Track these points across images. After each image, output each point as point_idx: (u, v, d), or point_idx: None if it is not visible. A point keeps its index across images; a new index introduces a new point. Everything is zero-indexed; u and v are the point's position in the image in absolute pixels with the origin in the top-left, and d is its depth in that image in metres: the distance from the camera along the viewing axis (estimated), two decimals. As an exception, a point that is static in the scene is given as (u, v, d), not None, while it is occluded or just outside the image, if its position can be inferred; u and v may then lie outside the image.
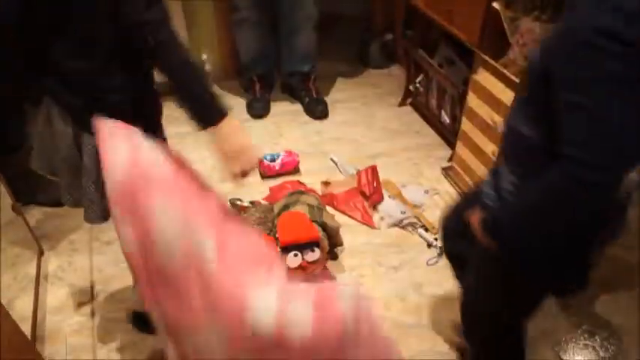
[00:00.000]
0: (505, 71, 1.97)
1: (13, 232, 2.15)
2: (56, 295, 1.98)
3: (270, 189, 2.37)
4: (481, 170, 2.22)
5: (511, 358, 1.45)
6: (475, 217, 1.15)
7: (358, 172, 2.38)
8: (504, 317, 1.33)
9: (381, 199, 2.28)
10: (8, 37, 1.21)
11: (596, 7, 0.86)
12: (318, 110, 2.89)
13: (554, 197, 0.95)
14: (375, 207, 2.29)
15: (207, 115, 1.29)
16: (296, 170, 2.51)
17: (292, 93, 3.05)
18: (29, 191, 2.29)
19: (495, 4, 1.99)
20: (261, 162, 2.46)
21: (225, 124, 1.29)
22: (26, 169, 1.67)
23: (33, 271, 2.03)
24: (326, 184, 2.37)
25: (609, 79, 0.86)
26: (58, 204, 1.88)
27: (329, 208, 2.23)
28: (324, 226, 1.95)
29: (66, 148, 1.40)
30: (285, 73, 3.02)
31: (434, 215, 2.26)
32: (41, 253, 2.13)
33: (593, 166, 0.87)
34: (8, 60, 1.31)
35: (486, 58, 2.08)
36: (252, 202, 2.21)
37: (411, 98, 2.96)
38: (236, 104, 2.98)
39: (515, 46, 1.95)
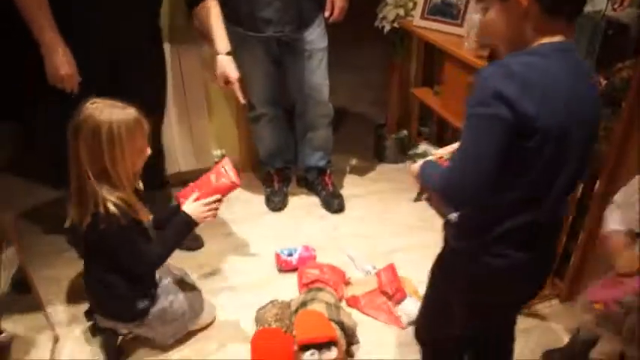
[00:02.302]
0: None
1: (29, 317, 2.18)
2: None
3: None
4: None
5: None
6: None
7: (378, 272, 2.38)
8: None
9: (404, 297, 2.27)
10: None
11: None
12: (334, 204, 2.93)
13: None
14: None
15: None
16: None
17: (309, 186, 3.11)
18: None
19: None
20: (278, 256, 2.47)
21: None
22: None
23: (47, 357, 2.03)
24: (347, 283, 2.36)
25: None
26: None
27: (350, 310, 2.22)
28: (341, 325, 1.94)
29: None
30: (302, 167, 3.09)
31: (451, 314, 2.24)
32: (56, 340, 2.12)
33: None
34: None
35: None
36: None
37: (427, 194, 2.99)
38: (255, 197, 3.04)
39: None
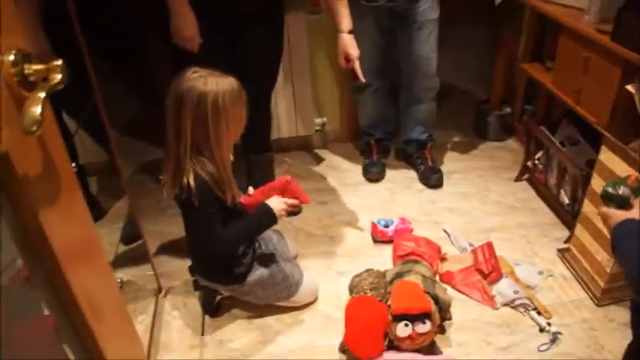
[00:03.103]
0: (636, 156, 1.91)
1: (137, 268, 2.32)
2: (169, 334, 2.08)
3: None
4: (601, 255, 2.13)
5: None
6: None
7: (474, 249, 2.36)
8: None
9: (500, 277, 2.23)
10: None
11: None
12: (433, 179, 2.90)
13: None
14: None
15: None
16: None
17: (408, 160, 3.09)
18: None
19: (629, 87, 1.95)
20: (374, 226, 2.49)
21: None
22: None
23: (151, 307, 2.16)
24: (442, 259, 2.35)
25: None
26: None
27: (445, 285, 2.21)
28: (436, 299, 1.93)
29: None
30: (402, 140, 3.07)
31: (547, 299, 2.18)
32: (159, 291, 2.25)
33: None
34: None
35: (615, 141, 2.03)
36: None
37: (528, 174, 2.91)
38: (353, 167, 3.07)
39: (648, 131, 1.90)
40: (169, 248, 2.48)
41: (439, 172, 2.93)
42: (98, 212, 2.62)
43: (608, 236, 1.98)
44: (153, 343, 2.02)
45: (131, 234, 2.37)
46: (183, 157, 1.73)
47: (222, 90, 1.70)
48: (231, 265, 1.98)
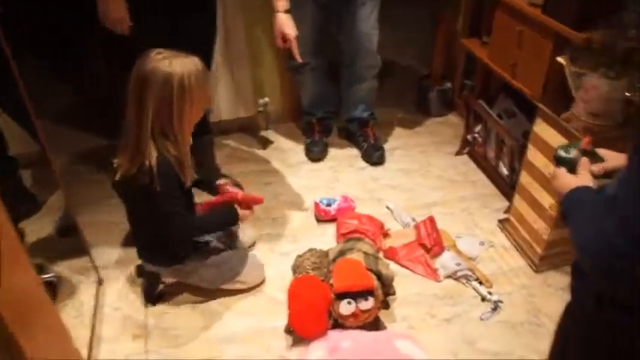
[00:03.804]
0: (568, 126, 1.95)
1: (75, 260, 2.25)
2: (112, 326, 2.03)
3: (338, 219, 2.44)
4: (538, 224, 2.18)
5: None
6: None
7: (416, 224, 2.38)
8: None
9: (442, 251, 2.26)
10: None
11: None
12: (375, 156, 2.90)
13: None
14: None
15: None
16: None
17: (350, 138, 3.08)
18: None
19: (560, 59, 1.99)
20: (317, 205, 2.48)
21: None
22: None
23: (91, 299, 2.10)
24: (385, 235, 2.36)
25: None
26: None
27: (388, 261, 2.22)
28: (379, 275, 1.94)
29: None
30: (344, 118, 3.06)
31: (488, 268, 2.23)
32: (100, 283, 2.19)
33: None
34: None
35: (549, 112, 2.07)
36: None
37: (469, 148, 2.95)
38: (294, 147, 3.05)
39: (579, 101, 1.93)
40: (109, 239, 2.40)
41: (381, 149, 2.94)
42: (33, 206, 2.52)
43: (552, 199, 2.03)
44: (95, 336, 1.97)
45: (66, 226, 2.29)
46: (145, 140, 1.70)
47: (188, 71, 1.68)
48: (174, 246, 1.96)
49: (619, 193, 0.84)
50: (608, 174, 1.19)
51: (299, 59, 2.37)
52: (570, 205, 1.07)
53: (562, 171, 1.22)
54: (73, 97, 2.54)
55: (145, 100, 1.66)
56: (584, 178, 1.17)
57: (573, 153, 1.26)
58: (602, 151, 1.25)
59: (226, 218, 2.02)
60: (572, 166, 1.22)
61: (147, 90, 1.65)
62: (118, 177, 1.78)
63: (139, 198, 1.84)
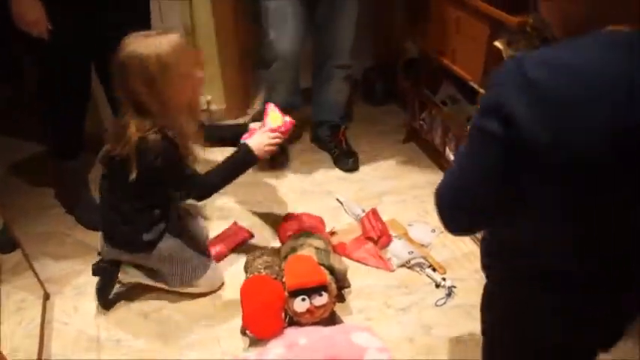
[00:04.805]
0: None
1: (18, 276, 2.16)
2: (62, 341, 1.96)
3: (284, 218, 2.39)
4: (487, 207, 2.21)
5: None
6: None
7: (361, 219, 2.37)
8: None
9: (390, 240, 2.27)
10: None
11: None
12: (349, 163, 2.80)
13: None
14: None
15: None
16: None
17: (319, 142, 2.99)
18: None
19: (497, 43, 2.01)
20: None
21: None
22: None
23: (38, 315, 2.02)
24: (332, 233, 2.34)
25: None
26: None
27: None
28: (331, 269, 1.93)
29: None
30: (313, 121, 2.98)
31: (441, 255, 2.25)
32: (47, 298, 2.11)
33: None
34: None
35: (489, 96, 2.09)
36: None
37: (415, 135, 2.97)
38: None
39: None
40: (54, 251, 2.31)
41: (354, 155, 2.84)
42: None
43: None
44: (44, 352, 1.90)
45: (6, 241, 2.19)
46: (137, 124, 1.69)
47: (164, 49, 1.65)
48: (141, 231, 1.91)
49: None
50: None
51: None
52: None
53: None
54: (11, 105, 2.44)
55: (129, 86, 1.66)
56: None
57: None
58: None
59: (242, 157, 1.95)
60: None
61: (128, 77, 1.65)
62: (105, 153, 1.81)
63: (124, 176, 1.77)
